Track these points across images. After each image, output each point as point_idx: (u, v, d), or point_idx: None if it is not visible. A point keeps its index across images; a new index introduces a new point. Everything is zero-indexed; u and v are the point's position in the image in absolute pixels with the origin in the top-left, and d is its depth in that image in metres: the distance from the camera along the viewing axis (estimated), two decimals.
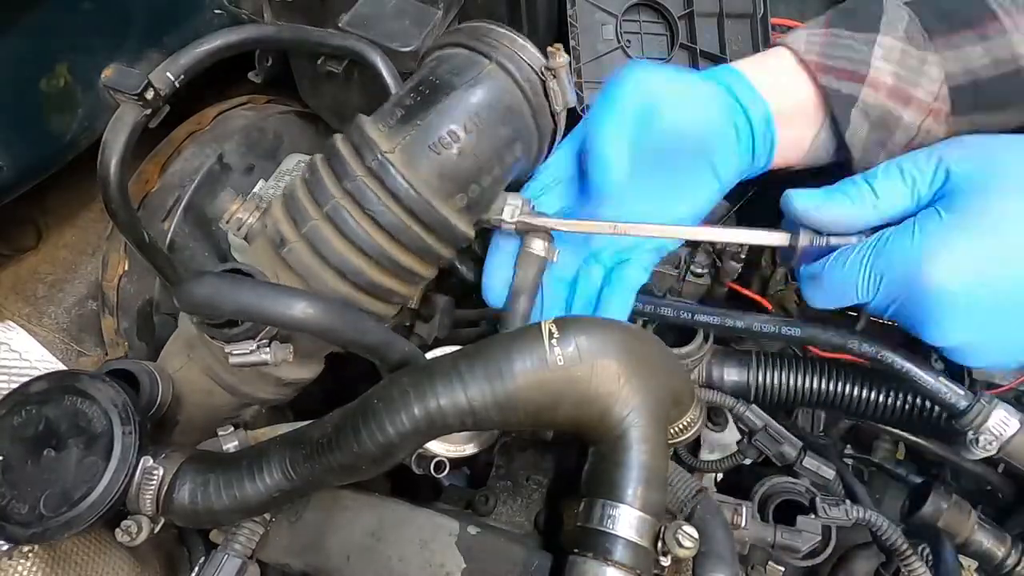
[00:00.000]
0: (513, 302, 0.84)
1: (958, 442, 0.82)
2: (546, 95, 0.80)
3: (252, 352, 0.71)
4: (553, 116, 0.82)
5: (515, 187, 0.86)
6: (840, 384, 0.95)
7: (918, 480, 1.17)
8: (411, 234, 0.74)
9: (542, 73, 0.79)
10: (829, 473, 0.98)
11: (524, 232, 0.84)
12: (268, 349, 0.72)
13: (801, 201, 0.76)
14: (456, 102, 0.74)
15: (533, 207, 0.83)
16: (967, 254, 0.68)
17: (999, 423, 0.78)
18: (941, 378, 0.81)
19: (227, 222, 0.81)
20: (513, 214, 0.81)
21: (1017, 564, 0.97)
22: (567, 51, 1.02)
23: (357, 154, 0.74)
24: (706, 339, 0.95)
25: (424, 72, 0.78)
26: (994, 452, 0.80)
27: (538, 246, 0.84)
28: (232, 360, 0.72)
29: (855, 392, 0.94)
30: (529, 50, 0.79)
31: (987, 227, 0.67)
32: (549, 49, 0.80)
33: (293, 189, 0.77)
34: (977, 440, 0.79)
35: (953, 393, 0.80)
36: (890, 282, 0.71)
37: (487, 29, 0.80)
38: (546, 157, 0.87)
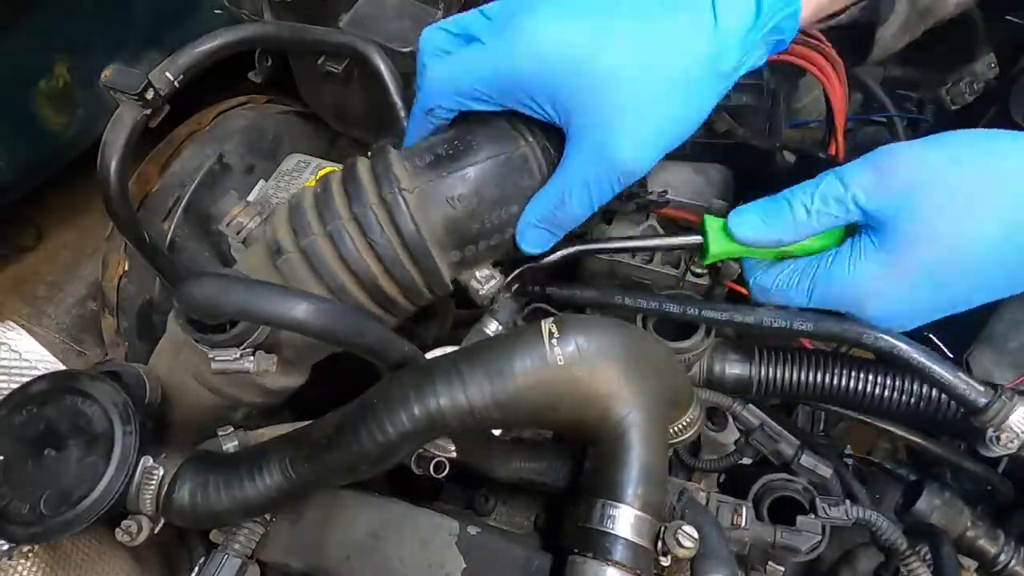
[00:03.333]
0: None
1: (975, 439, 0.80)
2: None
3: (235, 360, 0.72)
4: None
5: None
6: (844, 378, 0.94)
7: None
8: (403, 271, 0.76)
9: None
10: (826, 471, 0.98)
11: (487, 306, 0.85)
12: (252, 358, 0.73)
13: (743, 231, 0.77)
14: (483, 169, 0.76)
15: (510, 288, 0.85)
16: (898, 297, 0.73)
17: (1021, 420, 0.76)
18: (960, 373, 0.78)
19: (227, 225, 0.82)
20: (489, 288, 0.82)
21: (1010, 561, 0.97)
22: None
23: (375, 182, 0.76)
24: (707, 333, 0.94)
25: (463, 128, 0.80)
26: (1015, 450, 0.77)
27: (492, 328, 0.85)
28: (214, 366, 0.72)
29: (859, 386, 0.93)
30: (554, 137, 0.81)
31: (913, 267, 0.70)
32: None
33: (300, 201, 0.78)
34: (998, 438, 0.76)
35: (972, 389, 0.78)
36: (826, 299, 0.77)
37: None
38: None
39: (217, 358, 0.72)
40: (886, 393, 0.93)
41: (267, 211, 0.83)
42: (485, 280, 0.81)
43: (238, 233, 0.82)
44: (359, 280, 0.75)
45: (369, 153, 0.82)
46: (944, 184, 0.68)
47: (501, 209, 0.77)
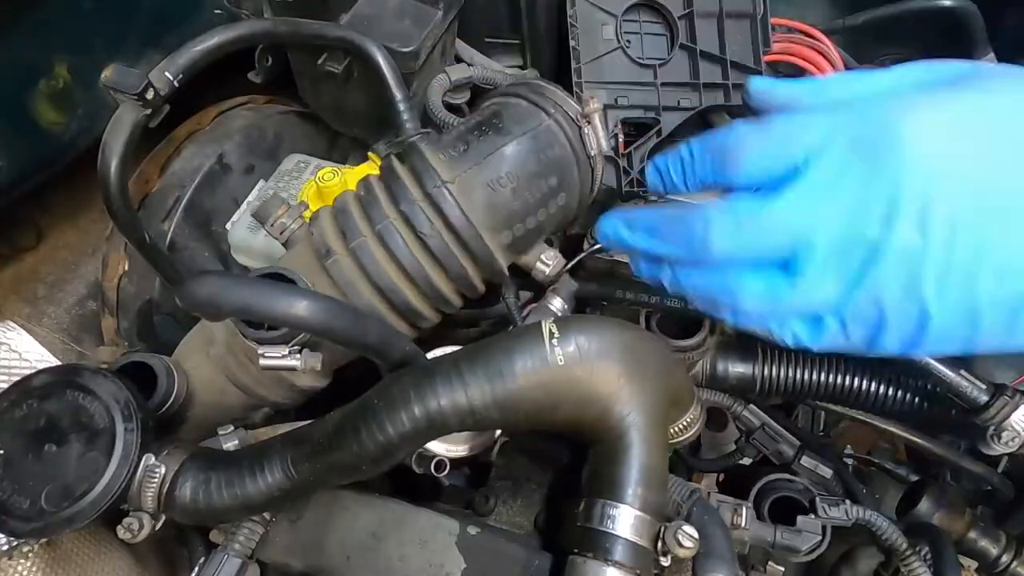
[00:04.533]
0: None
1: (977, 437, 0.81)
2: (582, 140, 0.85)
3: (283, 357, 0.73)
4: (590, 160, 0.86)
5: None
6: (847, 377, 0.94)
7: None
8: (454, 262, 0.78)
9: (578, 120, 0.84)
10: (827, 472, 0.98)
11: (549, 287, 0.91)
12: (299, 355, 0.74)
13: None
14: (516, 148, 0.79)
15: (566, 266, 0.90)
16: None
17: (1022, 419, 0.77)
18: (962, 371, 0.80)
19: (271, 225, 0.85)
20: (553, 268, 0.87)
21: (1012, 562, 0.97)
22: (567, 51, 1.03)
23: (416, 179, 0.78)
24: (711, 332, 0.94)
25: (487, 114, 0.83)
26: (1015, 448, 0.78)
27: (557, 304, 0.91)
28: (263, 362, 0.73)
29: (862, 385, 0.93)
30: (570, 102, 0.86)
31: None
32: (584, 96, 0.87)
33: (345, 203, 0.81)
34: (999, 436, 0.78)
35: (974, 387, 0.79)
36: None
37: (543, 87, 0.88)
38: (590, 204, 0.92)
39: (267, 354, 0.73)
40: (890, 391, 0.93)
41: (308, 213, 0.86)
42: (550, 260, 0.87)
43: (281, 233, 0.85)
44: (409, 277, 0.77)
45: (373, 149, 0.84)
46: None
47: (540, 182, 0.80)
